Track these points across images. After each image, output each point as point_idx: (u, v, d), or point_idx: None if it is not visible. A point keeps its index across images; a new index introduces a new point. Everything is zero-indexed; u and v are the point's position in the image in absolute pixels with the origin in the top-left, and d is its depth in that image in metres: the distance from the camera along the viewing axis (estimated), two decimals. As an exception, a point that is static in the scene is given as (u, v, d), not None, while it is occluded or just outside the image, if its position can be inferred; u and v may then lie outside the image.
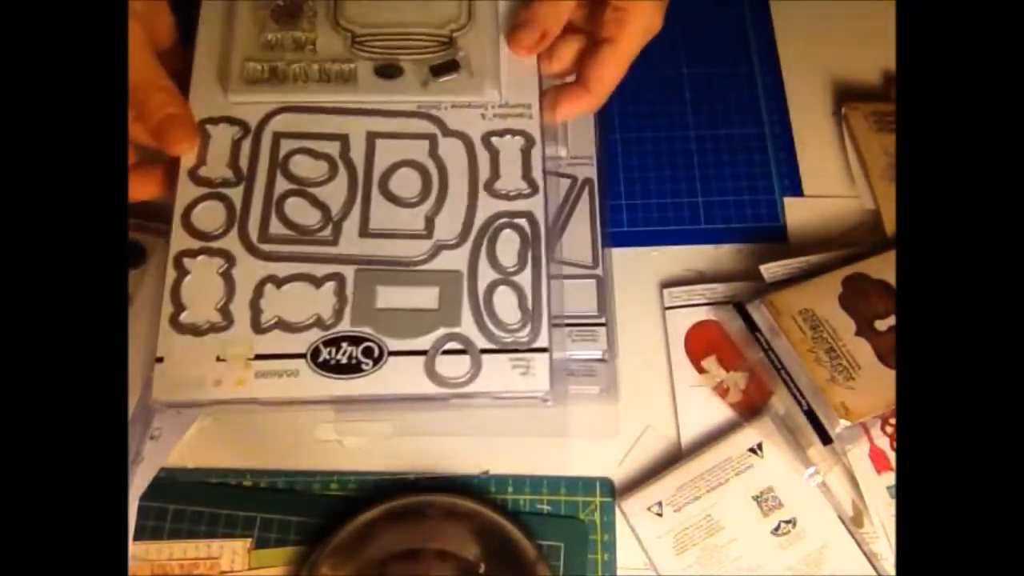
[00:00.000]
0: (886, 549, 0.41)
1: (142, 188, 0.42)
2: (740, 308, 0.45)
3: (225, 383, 0.37)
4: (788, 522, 0.42)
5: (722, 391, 0.46)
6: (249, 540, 0.42)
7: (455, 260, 0.40)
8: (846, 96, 0.54)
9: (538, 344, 0.38)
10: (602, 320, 0.45)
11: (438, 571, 0.40)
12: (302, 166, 0.42)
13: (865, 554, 0.41)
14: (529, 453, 0.44)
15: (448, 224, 0.40)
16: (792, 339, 0.43)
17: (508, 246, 0.40)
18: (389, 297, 0.39)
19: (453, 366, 0.38)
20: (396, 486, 0.43)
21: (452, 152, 0.42)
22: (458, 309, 0.39)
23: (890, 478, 0.42)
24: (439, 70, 0.43)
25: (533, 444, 0.44)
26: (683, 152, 0.53)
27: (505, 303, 0.39)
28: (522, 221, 0.41)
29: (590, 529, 0.42)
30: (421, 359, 0.38)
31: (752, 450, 0.43)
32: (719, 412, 0.45)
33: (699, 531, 0.41)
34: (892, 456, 0.42)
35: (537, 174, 0.42)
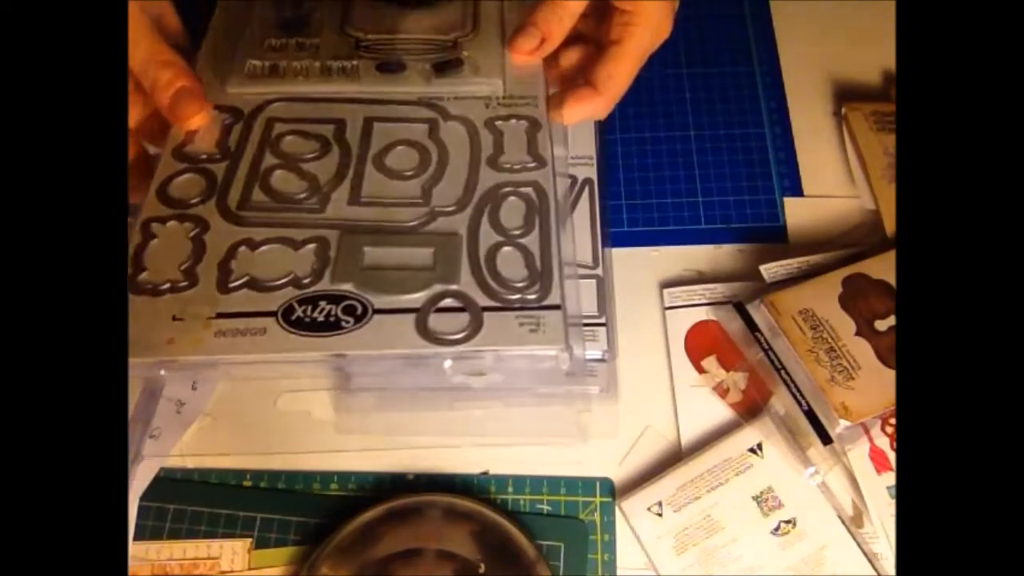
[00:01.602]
0: (886, 549, 0.41)
1: (137, 185, 0.41)
2: (740, 308, 0.45)
3: (179, 342, 0.33)
4: (788, 522, 0.42)
5: (722, 391, 0.46)
6: (249, 540, 0.42)
7: (453, 224, 0.37)
8: (846, 96, 0.54)
9: (549, 301, 0.35)
10: (602, 320, 0.45)
11: (438, 571, 0.40)
12: (293, 144, 0.40)
13: (865, 554, 0.41)
14: (529, 453, 0.44)
15: (447, 192, 0.38)
16: (792, 339, 0.43)
17: (513, 212, 0.37)
18: (377, 257, 0.36)
19: (449, 323, 0.34)
20: (396, 486, 0.43)
21: (453, 133, 0.40)
22: (456, 267, 0.35)
23: (890, 478, 0.42)
24: (442, 67, 0.42)
25: (533, 444, 0.44)
26: (683, 152, 0.53)
27: (510, 262, 0.36)
28: (527, 190, 0.38)
29: (590, 529, 0.42)
30: (411, 316, 0.34)
31: (752, 450, 0.43)
32: (719, 412, 0.45)
33: (699, 531, 0.41)
34: (892, 456, 0.42)
35: (544, 151, 0.40)
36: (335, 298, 0.35)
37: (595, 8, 0.43)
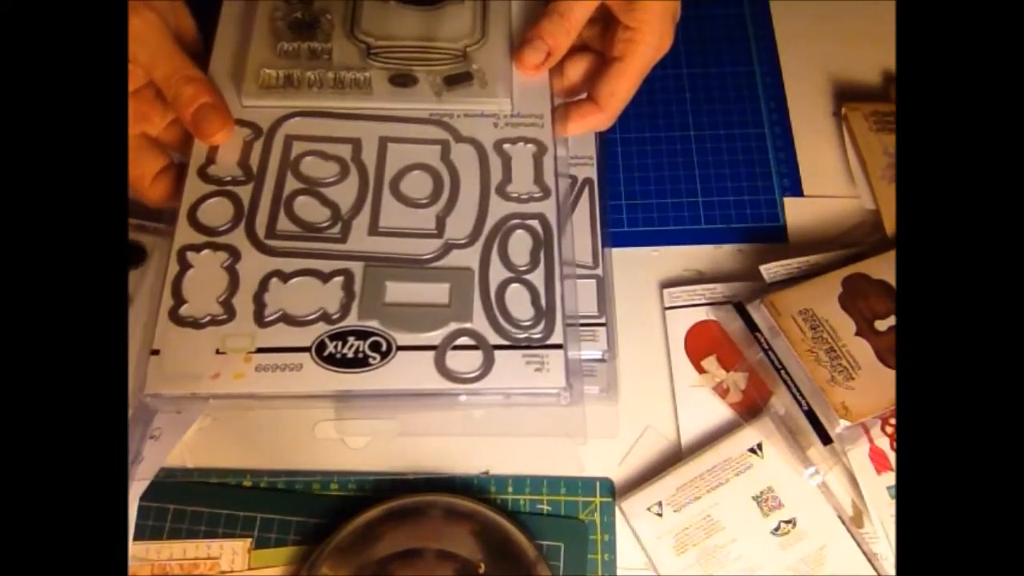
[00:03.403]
0: (886, 549, 0.41)
1: (165, 193, 0.42)
2: (740, 308, 0.45)
3: (223, 376, 0.36)
4: (788, 522, 0.42)
5: (722, 391, 0.46)
6: (249, 540, 0.42)
7: (466, 258, 0.39)
8: (846, 96, 0.54)
9: (552, 341, 0.37)
10: (602, 320, 0.45)
11: (438, 571, 0.40)
12: (313, 167, 0.41)
13: (865, 554, 0.41)
14: (529, 453, 0.44)
15: (459, 224, 0.40)
16: (792, 339, 0.43)
17: (520, 246, 0.40)
18: (398, 292, 0.38)
19: (464, 361, 0.37)
20: (396, 486, 0.43)
21: (464, 157, 0.42)
22: (469, 305, 0.38)
23: (890, 478, 0.42)
24: (452, 81, 0.43)
25: (533, 444, 0.44)
26: (683, 152, 0.53)
27: (518, 300, 0.38)
28: (534, 223, 0.40)
29: (590, 529, 0.42)
30: (431, 354, 0.37)
31: (752, 450, 0.43)
32: (719, 412, 0.45)
33: (699, 531, 0.41)
34: (892, 456, 0.42)
35: (549, 179, 0.42)
36: (363, 334, 0.37)
37: (599, 16, 0.44)
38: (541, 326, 0.38)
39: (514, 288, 0.39)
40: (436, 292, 0.38)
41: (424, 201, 0.41)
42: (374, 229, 0.40)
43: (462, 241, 0.40)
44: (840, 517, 0.42)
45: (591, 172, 0.49)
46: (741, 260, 0.50)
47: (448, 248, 0.39)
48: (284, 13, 0.45)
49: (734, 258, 0.50)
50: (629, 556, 0.42)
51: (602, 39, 0.45)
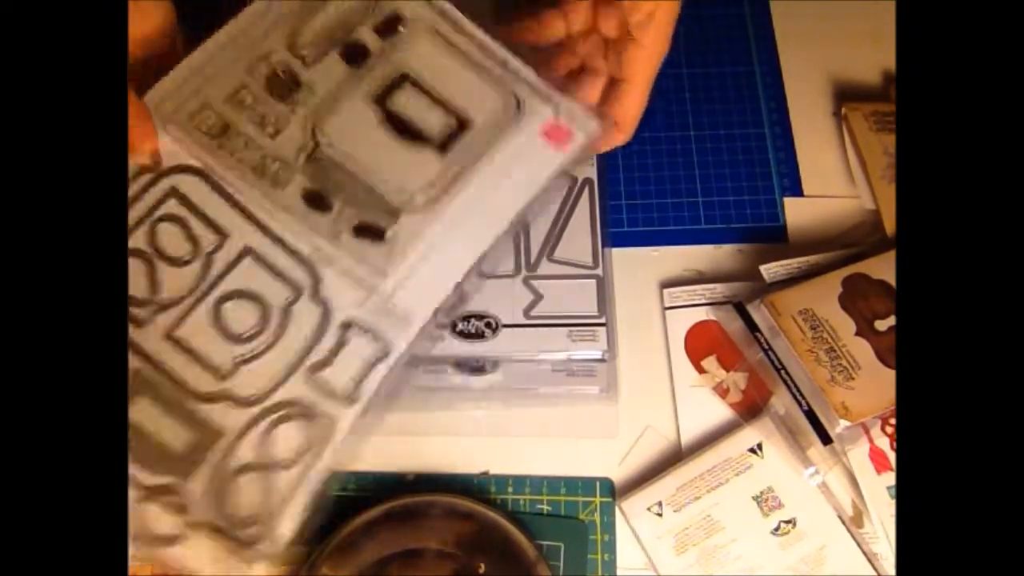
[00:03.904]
0: (886, 549, 0.41)
1: None
2: (740, 308, 0.45)
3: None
4: (788, 522, 0.42)
5: (722, 391, 0.46)
6: (249, 540, 0.42)
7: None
8: (846, 96, 0.54)
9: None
10: (602, 320, 0.45)
11: (438, 571, 0.40)
12: (167, 235, 0.37)
13: (865, 554, 0.41)
14: (529, 453, 0.44)
15: (250, 380, 0.35)
16: (792, 339, 0.43)
17: (290, 442, 0.35)
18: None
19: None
20: (396, 486, 0.43)
21: (303, 317, 0.36)
22: None
23: (890, 478, 0.42)
24: (362, 231, 0.37)
25: (533, 444, 0.45)
26: (683, 152, 0.53)
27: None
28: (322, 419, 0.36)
29: (590, 529, 0.42)
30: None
31: (752, 450, 0.43)
32: (719, 412, 0.45)
33: (699, 531, 0.41)
34: (892, 456, 0.42)
35: (365, 386, 0.36)
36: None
37: (598, 41, 0.43)
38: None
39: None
40: None
41: (233, 333, 0.36)
42: (170, 335, 0.36)
43: (246, 396, 0.35)
44: (840, 517, 0.42)
45: (591, 172, 0.49)
46: (741, 260, 0.50)
47: (221, 404, 0.35)
48: (271, 63, 0.39)
49: (734, 258, 0.50)
50: (629, 556, 0.42)
51: (602, 56, 0.44)
